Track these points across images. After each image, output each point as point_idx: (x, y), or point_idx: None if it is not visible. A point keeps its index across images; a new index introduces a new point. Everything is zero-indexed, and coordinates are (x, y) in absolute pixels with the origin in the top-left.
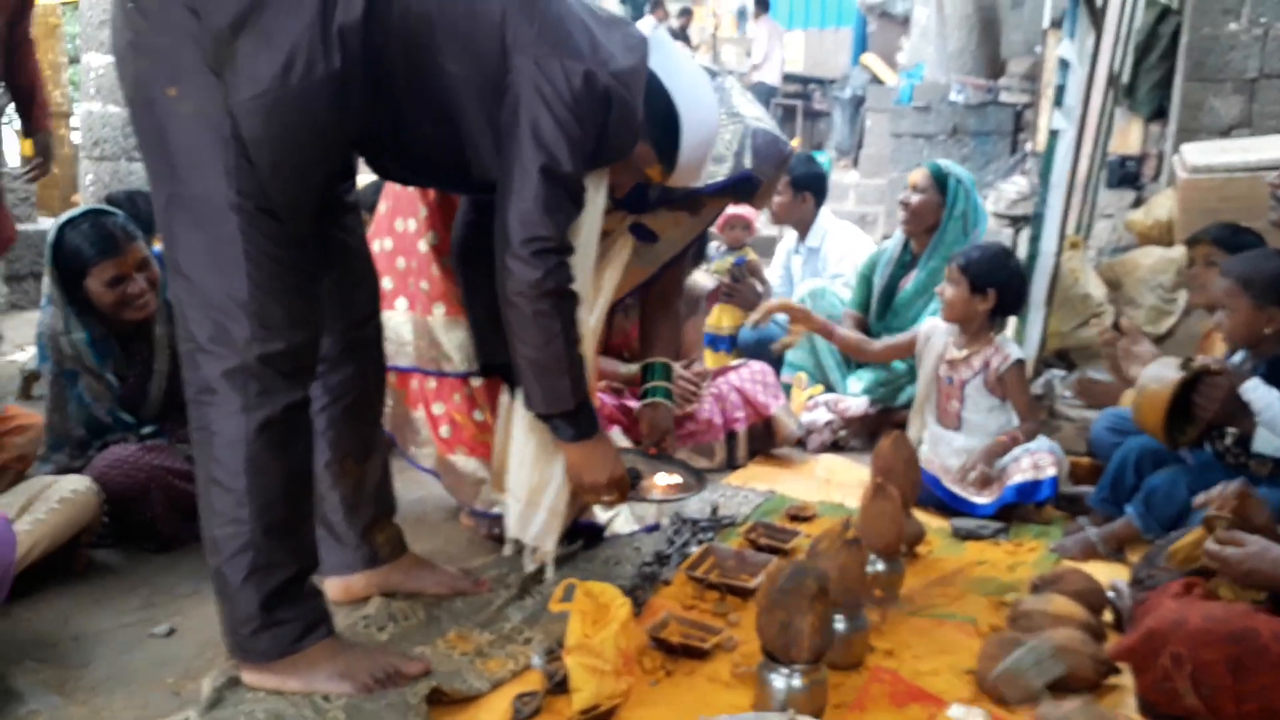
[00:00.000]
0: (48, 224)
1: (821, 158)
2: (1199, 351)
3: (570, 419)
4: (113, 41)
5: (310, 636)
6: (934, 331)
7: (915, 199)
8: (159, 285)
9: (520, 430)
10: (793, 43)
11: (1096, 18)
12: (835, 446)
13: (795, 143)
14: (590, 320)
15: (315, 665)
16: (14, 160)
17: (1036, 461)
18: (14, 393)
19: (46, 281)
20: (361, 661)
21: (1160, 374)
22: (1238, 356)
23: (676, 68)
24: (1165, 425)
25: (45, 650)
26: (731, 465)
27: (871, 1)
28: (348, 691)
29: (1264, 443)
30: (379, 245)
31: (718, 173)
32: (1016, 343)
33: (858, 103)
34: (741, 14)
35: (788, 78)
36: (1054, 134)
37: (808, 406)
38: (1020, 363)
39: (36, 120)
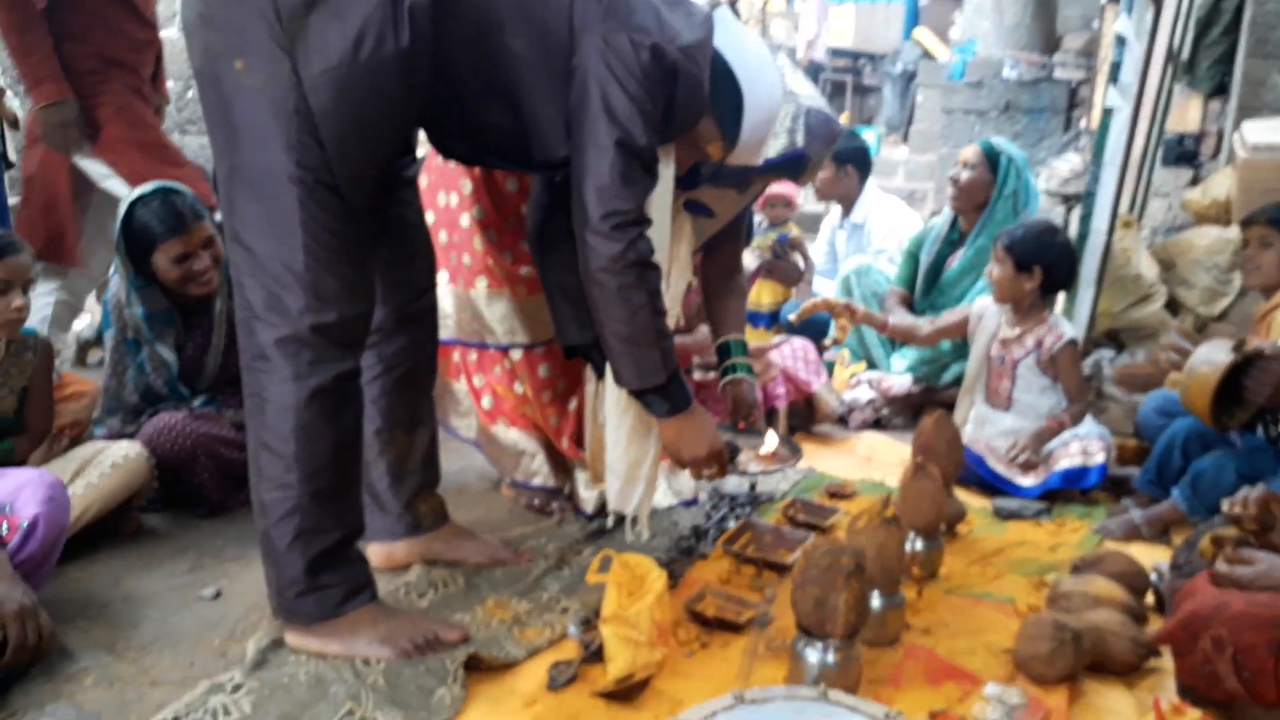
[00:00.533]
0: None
1: (870, 133)
2: (1253, 335)
3: (663, 393)
4: (182, 14)
5: (353, 601)
6: (986, 311)
7: (965, 175)
8: (222, 262)
9: (615, 408)
10: (843, 16)
11: None
12: (877, 424)
13: (844, 117)
14: (668, 298)
15: (357, 629)
16: None
17: (1086, 447)
18: (70, 360)
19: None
20: (402, 627)
21: (1211, 356)
22: None
23: (740, 45)
24: (1213, 408)
25: (96, 610)
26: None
27: None
28: (388, 656)
29: None
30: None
31: (771, 150)
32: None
33: (909, 78)
34: None
35: (837, 52)
36: (1108, 112)
37: (850, 384)
38: (1073, 343)
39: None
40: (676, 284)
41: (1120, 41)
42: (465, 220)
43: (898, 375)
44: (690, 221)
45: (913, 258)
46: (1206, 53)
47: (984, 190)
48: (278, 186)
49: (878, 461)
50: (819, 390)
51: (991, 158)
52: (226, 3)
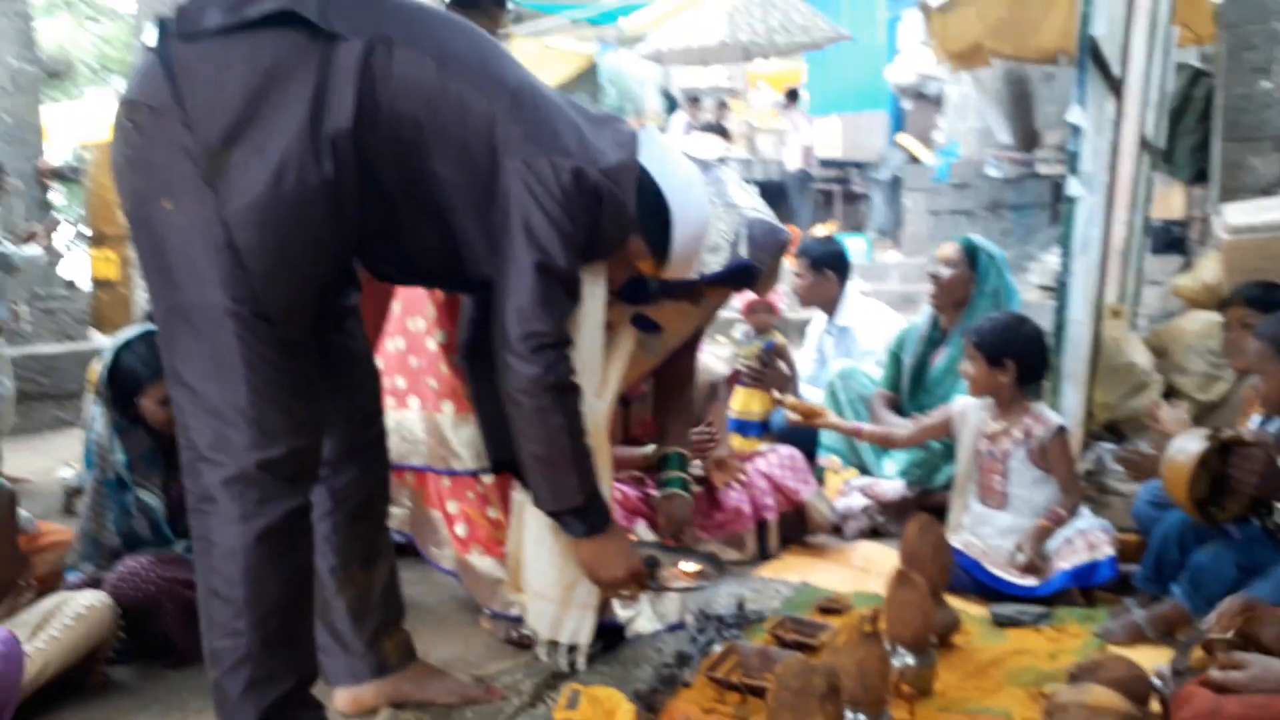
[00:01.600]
0: (101, 341)
1: (861, 240)
2: (1243, 419)
3: (580, 515)
4: (111, 160)
5: None
6: (968, 407)
7: (945, 273)
8: None
9: (542, 528)
10: (829, 128)
11: (1114, 83)
12: (874, 533)
13: (833, 225)
14: (603, 414)
15: None
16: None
17: (1091, 541)
18: (57, 509)
19: (95, 397)
20: None
21: (1184, 445)
22: (1275, 424)
23: (666, 162)
24: (1191, 499)
25: None
26: (764, 555)
27: (904, 84)
28: None
29: None
30: (393, 345)
31: (714, 262)
32: None
33: (895, 183)
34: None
35: (825, 163)
36: (1071, 201)
37: (842, 491)
38: (1063, 430)
39: None
40: (610, 396)
41: (1075, 131)
42: (431, 344)
43: (889, 480)
44: (636, 337)
45: (896, 358)
46: (1183, 140)
47: (964, 287)
48: (215, 323)
49: (874, 572)
50: (809, 499)
51: (971, 254)
52: (150, 144)
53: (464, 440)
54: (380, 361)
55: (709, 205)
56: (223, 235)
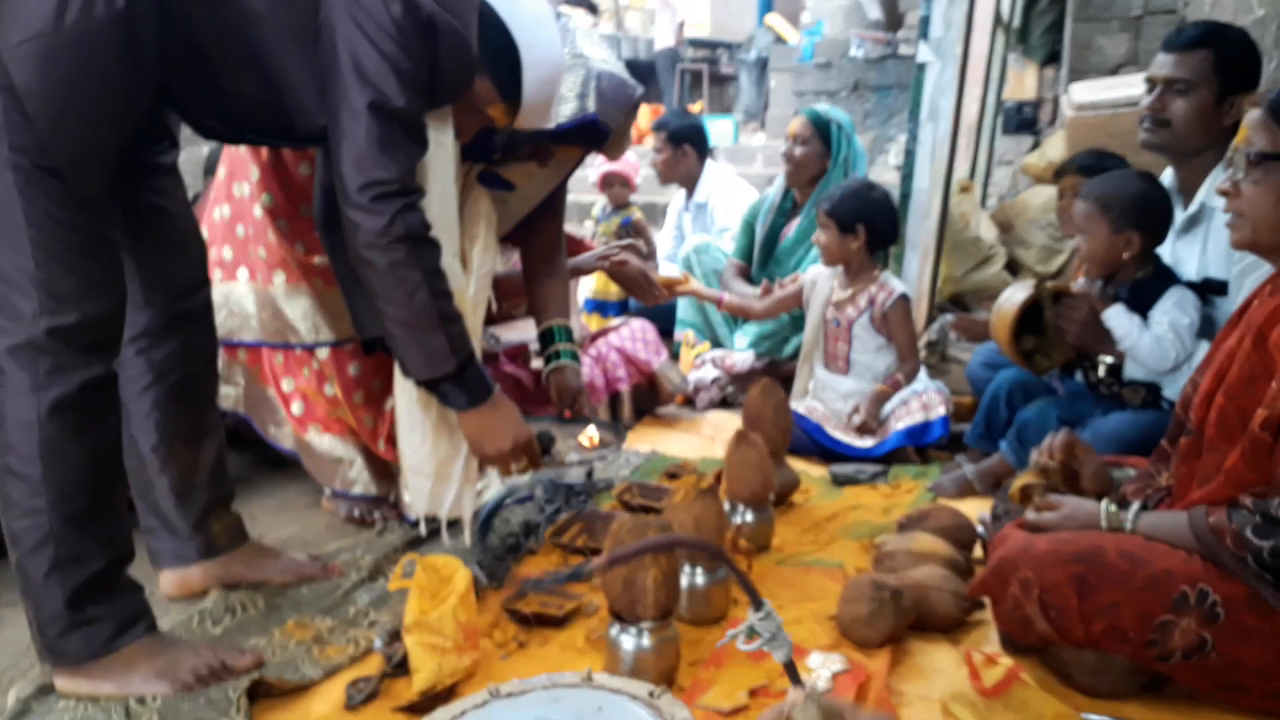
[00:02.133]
0: None
1: (728, 122)
2: (1072, 281)
3: (457, 382)
4: None
5: (126, 635)
6: (819, 277)
7: (799, 150)
8: None
9: (412, 402)
10: (698, 8)
11: None
12: (725, 403)
13: (699, 106)
14: (470, 289)
15: (131, 666)
16: None
17: (925, 402)
18: None
19: None
20: (184, 659)
21: (1011, 295)
22: (1099, 285)
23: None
24: (1013, 344)
25: None
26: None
27: None
28: (165, 691)
29: (1135, 370)
30: (218, 213)
31: (560, 114)
32: None
33: (763, 65)
34: None
35: (694, 43)
36: (920, 68)
37: (695, 364)
38: (904, 298)
39: None
40: (481, 264)
41: None
42: (257, 210)
43: (740, 352)
44: (489, 198)
45: (749, 228)
46: (1038, 21)
47: (818, 162)
48: None
49: (721, 440)
50: (659, 368)
51: (822, 128)
52: None
53: (299, 312)
54: (205, 230)
55: (561, 44)
56: None
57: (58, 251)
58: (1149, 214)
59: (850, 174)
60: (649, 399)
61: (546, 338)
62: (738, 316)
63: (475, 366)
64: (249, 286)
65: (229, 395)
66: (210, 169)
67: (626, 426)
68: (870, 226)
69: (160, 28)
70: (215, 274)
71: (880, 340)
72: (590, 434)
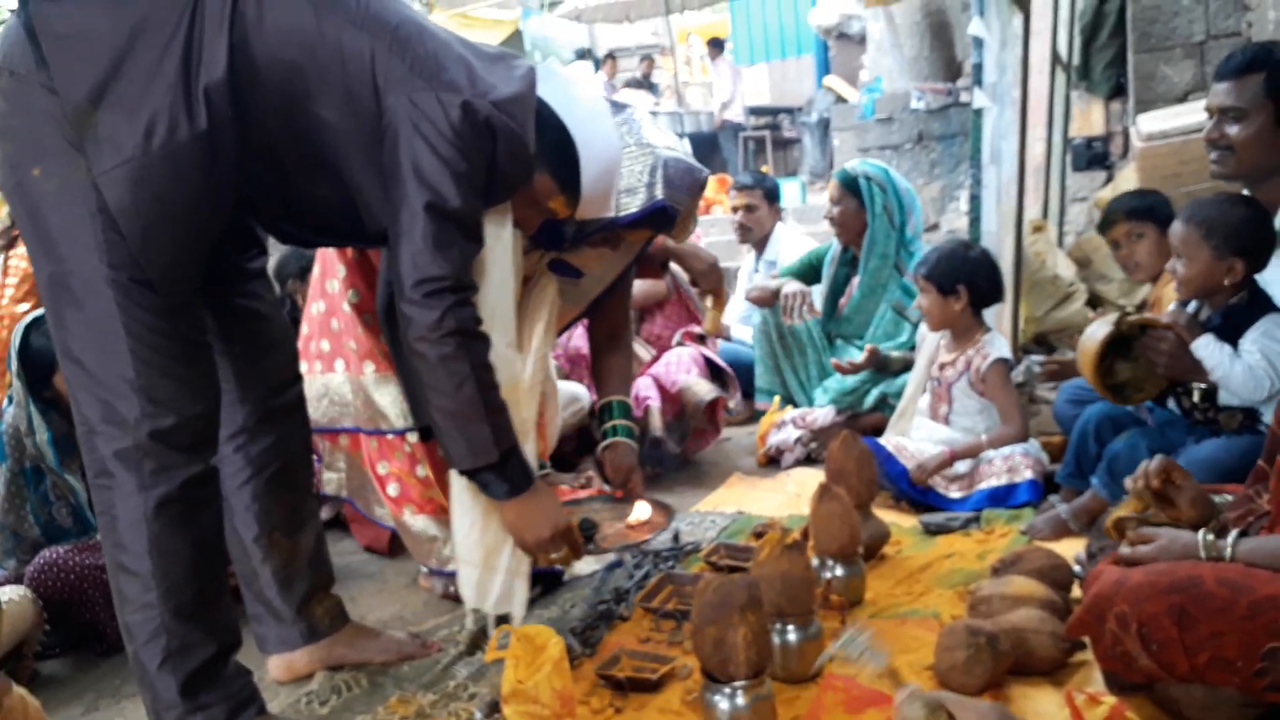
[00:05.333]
0: None
1: (795, 183)
2: (1150, 310)
3: (499, 472)
4: None
5: (238, 718)
6: (928, 336)
7: (835, 211)
8: None
9: (462, 490)
10: (757, 76)
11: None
12: (809, 460)
13: (765, 170)
14: (527, 370)
15: None
16: None
17: (1011, 465)
18: None
19: (13, 383)
20: None
21: (1094, 330)
22: (1191, 306)
23: (569, 96)
24: (1099, 378)
25: None
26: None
27: (828, 25)
28: None
29: (1229, 397)
30: (315, 308)
31: (631, 204)
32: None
33: (825, 125)
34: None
35: (755, 110)
36: (978, 113)
37: (776, 425)
38: (1002, 361)
39: None
40: (539, 347)
41: (977, 43)
42: (345, 306)
43: (820, 408)
44: (557, 284)
45: (810, 266)
46: (1098, 56)
47: (857, 217)
48: (95, 291)
49: (806, 496)
50: (683, 384)
51: (850, 185)
52: (17, 110)
53: (389, 399)
54: (305, 326)
55: (618, 137)
56: (95, 200)
57: (154, 359)
58: (1254, 239)
59: (900, 219)
60: (681, 420)
61: (605, 412)
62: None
63: (518, 456)
64: (345, 376)
65: (332, 480)
66: (280, 278)
67: (669, 452)
68: (971, 286)
69: (239, 142)
70: (315, 365)
71: (981, 403)
72: (639, 514)
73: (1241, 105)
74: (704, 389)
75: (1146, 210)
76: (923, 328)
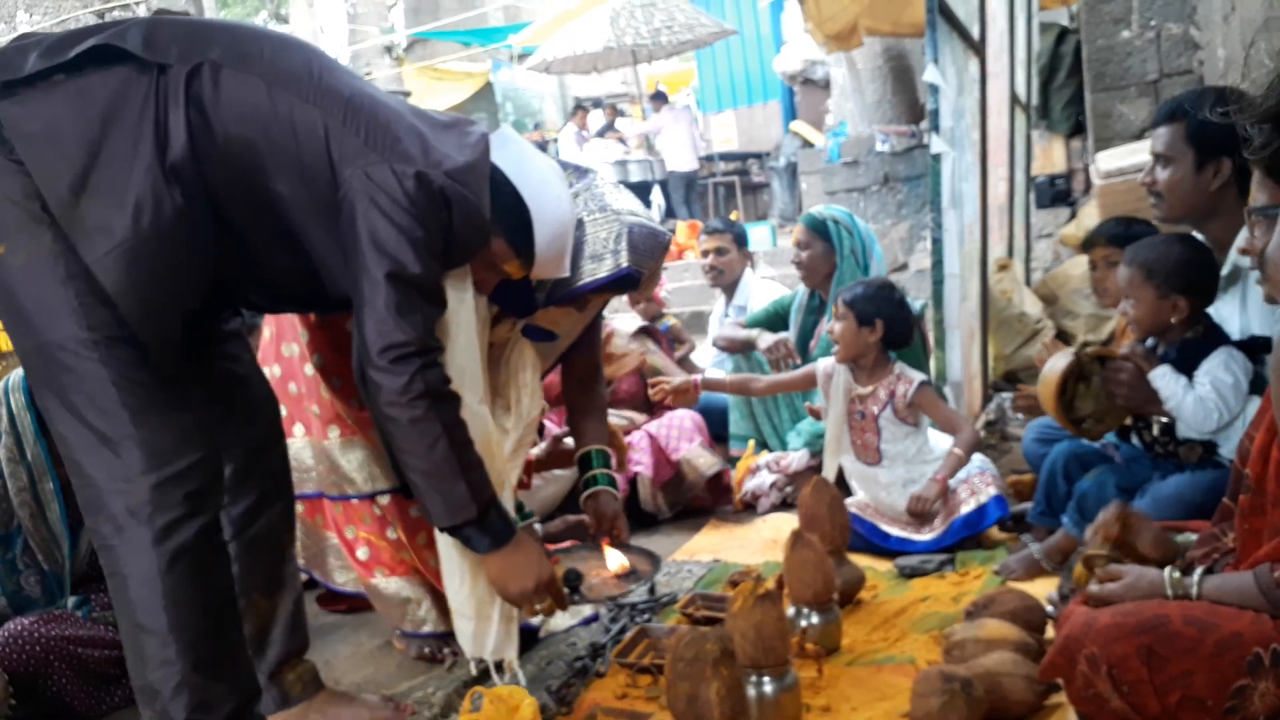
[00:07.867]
0: None
1: (764, 228)
2: (1117, 346)
3: (479, 527)
4: None
5: None
6: (835, 370)
7: (804, 255)
8: None
9: (449, 545)
10: (725, 123)
11: (974, 45)
12: (786, 505)
13: (735, 215)
14: (513, 434)
15: None
16: None
17: (972, 488)
18: None
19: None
20: None
21: (1054, 363)
22: (1150, 341)
23: (521, 162)
24: (1060, 411)
25: None
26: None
27: (792, 71)
28: None
29: (1187, 429)
30: (269, 372)
31: (598, 270)
32: (939, 370)
33: (793, 169)
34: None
35: (724, 156)
36: (935, 158)
37: (751, 471)
38: (925, 383)
39: None
40: (528, 410)
41: (934, 90)
42: (309, 369)
43: (794, 452)
44: (534, 348)
45: (776, 311)
46: (1057, 96)
47: (825, 262)
48: (78, 355)
49: (783, 541)
50: (685, 456)
51: (819, 229)
52: None
53: (355, 464)
54: None
55: (570, 200)
56: (63, 267)
57: (148, 409)
58: (1195, 277)
59: (865, 262)
60: (677, 488)
61: (585, 462)
62: (737, 394)
63: (497, 509)
64: (305, 441)
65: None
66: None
67: (660, 517)
68: (888, 324)
69: (210, 214)
70: None
71: (907, 428)
72: (622, 562)
73: (1168, 152)
74: (706, 462)
75: (1126, 239)
76: (824, 363)
